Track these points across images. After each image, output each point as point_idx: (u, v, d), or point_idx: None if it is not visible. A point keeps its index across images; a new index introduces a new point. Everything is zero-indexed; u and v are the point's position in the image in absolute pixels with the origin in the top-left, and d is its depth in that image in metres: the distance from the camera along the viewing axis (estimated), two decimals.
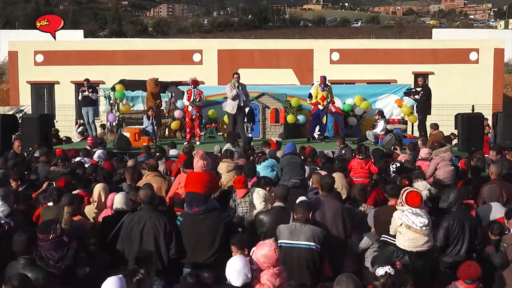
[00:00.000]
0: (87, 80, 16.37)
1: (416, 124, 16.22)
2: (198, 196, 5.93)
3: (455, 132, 14.40)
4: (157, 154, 10.89)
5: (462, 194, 6.45)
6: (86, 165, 9.47)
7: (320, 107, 14.95)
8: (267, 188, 6.65)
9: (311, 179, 7.87)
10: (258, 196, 6.44)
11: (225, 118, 15.77)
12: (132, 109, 18.42)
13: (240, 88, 13.94)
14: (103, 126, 19.45)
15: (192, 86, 14.76)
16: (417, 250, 5.30)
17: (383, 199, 6.91)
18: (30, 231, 4.80)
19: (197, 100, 14.69)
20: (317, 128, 15.27)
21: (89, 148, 12.41)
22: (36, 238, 4.68)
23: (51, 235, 4.65)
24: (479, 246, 6.05)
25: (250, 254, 4.53)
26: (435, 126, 14.14)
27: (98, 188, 6.76)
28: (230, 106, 14.15)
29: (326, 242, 5.51)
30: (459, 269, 4.96)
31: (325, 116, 15.15)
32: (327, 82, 15.13)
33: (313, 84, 15.68)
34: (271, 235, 5.77)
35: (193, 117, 14.83)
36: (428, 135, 14.57)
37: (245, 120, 14.97)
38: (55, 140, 17.09)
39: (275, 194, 6.27)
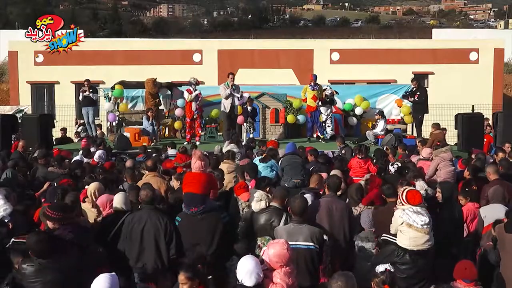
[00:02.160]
0: (87, 80, 16.41)
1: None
2: (196, 196, 5.92)
3: (452, 130, 14.45)
4: (153, 155, 10.90)
5: (453, 191, 6.68)
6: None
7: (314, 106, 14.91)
8: (267, 189, 6.62)
9: (310, 179, 7.85)
10: (254, 197, 6.45)
11: None
12: (132, 109, 18.39)
13: (234, 88, 13.97)
14: (99, 126, 19.12)
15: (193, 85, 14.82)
16: (418, 249, 5.29)
17: (380, 200, 6.90)
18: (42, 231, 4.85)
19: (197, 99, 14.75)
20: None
21: (81, 149, 12.27)
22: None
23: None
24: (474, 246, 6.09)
25: (261, 254, 4.51)
26: (436, 125, 14.13)
27: (93, 187, 6.66)
28: (223, 105, 14.22)
29: (330, 242, 5.51)
30: (455, 270, 4.97)
31: (320, 115, 15.15)
32: (317, 82, 15.09)
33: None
34: (263, 234, 5.80)
35: (195, 117, 14.84)
36: (429, 134, 14.56)
37: (248, 119, 15.00)
38: (63, 139, 17.14)
39: (273, 194, 6.23)
